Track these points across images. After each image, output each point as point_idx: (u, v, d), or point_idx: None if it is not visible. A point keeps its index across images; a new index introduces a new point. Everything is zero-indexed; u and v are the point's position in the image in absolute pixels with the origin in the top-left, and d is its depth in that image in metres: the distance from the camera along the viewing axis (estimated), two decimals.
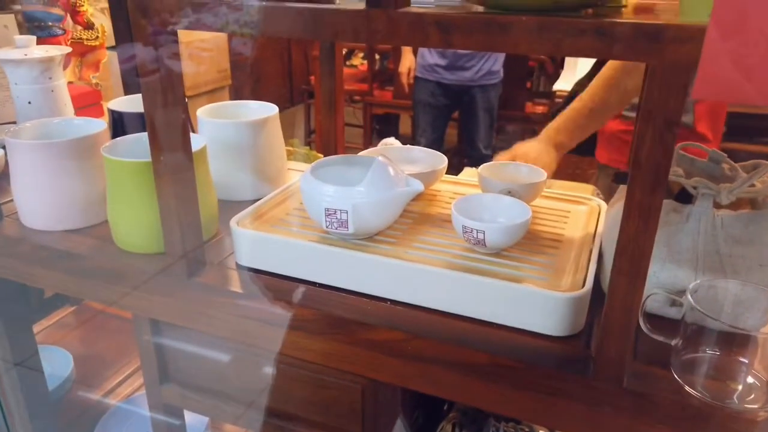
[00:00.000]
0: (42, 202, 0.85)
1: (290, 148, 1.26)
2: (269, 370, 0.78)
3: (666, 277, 0.63)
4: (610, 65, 1.16)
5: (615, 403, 0.57)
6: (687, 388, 0.57)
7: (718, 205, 0.63)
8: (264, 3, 0.57)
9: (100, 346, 1.43)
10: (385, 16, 0.52)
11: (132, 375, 1.31)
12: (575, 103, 1.17)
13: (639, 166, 0.48)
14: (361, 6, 0.54)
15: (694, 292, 0.57)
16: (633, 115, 1.32)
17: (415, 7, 0.55)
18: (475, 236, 0.68)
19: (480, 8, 0.55)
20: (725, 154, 0.70)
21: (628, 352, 0.56)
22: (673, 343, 0.60)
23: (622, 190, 0.74)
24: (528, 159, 1.10)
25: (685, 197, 0.66)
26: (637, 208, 0.50)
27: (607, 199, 0.84)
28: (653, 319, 0.65)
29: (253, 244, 0.75)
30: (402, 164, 0.83)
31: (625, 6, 0.61)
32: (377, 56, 3.72)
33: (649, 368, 0.60)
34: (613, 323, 0.55)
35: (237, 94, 3.42)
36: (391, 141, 1.38)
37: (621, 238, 0.52)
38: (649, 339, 0.62)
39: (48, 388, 1.09)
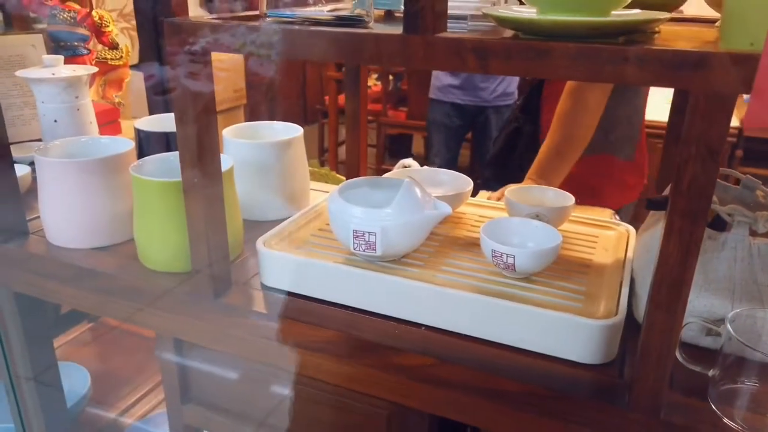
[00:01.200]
0: (68, 220, 0.86)
1: (310, 169, 1.26)
2: (293, 392, 0.77)
3: (701, 306, 0.62)
4: (563, 101, 1.17)
5: None
6: (725, 420, 0.56)
7: (754, 233, 0.62)
8: (301, 27, 0.58)
9: (117, 364, 1.43)
10: (423, 42, 0.52)
11: (149, 393, 1.30)
12: (543, 146, 1.18)
13: (681, 194, 0.48)
14: (398, 31, 0.54)
15: (733, 322, 0.56)
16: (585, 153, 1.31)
17: (451, 33, 0.55)
18: (504, 261, 0.67)
19: (512, 33, 0.55)
20: (759, 181, 0.70)
21: (664, 383, 0.55)
22: (711, 373, 0.58)
23: (653, 215, 0.73)
24: None
25: (719, 225, 0.65)
26: (677, 237, 0.49)
27: None
28: (688, 348, 0.64)
29: (279, 265, 0.75)
30: (427, 186, 0.82)
31: (658, 32, 0.61)
32: (391, 77, 3.75)
33: (686, 399, 0.58)
34: (651, 353, 0.54)
35: (252, 113, 3.45)
36: (409, 162, 1.38)
37: (660, 267, 0.51)
38: (684, 369, 0.60)
39: (66, 404, 1.09)
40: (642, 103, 1.29)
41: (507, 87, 2.72)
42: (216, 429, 0.86)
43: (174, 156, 0.84)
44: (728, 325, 0.55)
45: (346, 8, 0.69)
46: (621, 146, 1.28)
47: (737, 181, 0.74)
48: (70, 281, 0.85)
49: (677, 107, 0.85)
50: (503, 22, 0.55)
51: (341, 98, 3.57)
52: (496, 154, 1.48)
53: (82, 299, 0.85)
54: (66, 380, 1.20)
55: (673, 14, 0.68)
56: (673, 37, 0.58)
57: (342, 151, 3.46)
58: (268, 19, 0.65)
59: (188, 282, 0.77)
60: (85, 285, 0.84)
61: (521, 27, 0.54)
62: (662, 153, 0.89)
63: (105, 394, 1.31)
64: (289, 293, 0.74)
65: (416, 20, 0.52)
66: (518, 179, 1.18)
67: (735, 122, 2.51)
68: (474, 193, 1.08)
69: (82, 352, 1.43)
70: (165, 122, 1.02)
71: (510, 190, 0.84)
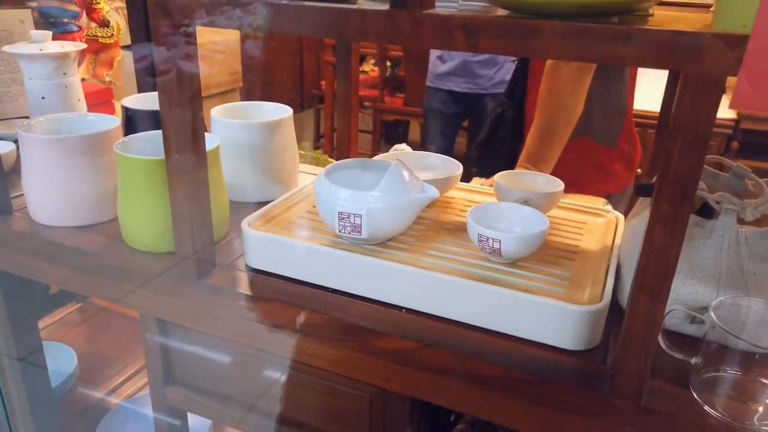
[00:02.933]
0: (52, 198, 0.85)
1: (301, 152, 1.25)
2: (276, 375, 0.77)
3: (686, 293, 0.62)
4: (542, 84, 1.16)
5: (633, 421, 0.56)
6: (707, 407, 0.55)
7: (741, 221, 0.62)
8: (287, 2, 0.57)
9: (105, 344, 1.42)
10: (410, 18, 0.51)
11: (135, 374, 1.30)
12: (530, 132, 1.18)
13: (667, 177, 0.47)
14: (385, 7, 0.53)
15: (716, 309, 0.56)
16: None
17: (440, 10, 0.54)
18: (490, 245, 0.67)
19: (504, 12, 0.54)
20: (749, 170, 0.69)
21: (647, 369, 0.54)
22: (693, 361, 0.58)
23: (642, 202, 0.73)
24: None
25: (707, 212, 0.64)
26: (663, 222, 0.49)
27: None
28: (671, 335, 0.63)
29: (263, 247, 0.74)
30: (417, 170, 0.82)
31: (651, 15, 0.60)
32: (388, 63, 3.72)
33: (668, 386, 0.58)
34: (633, 339, 0.54)
35: (248, 96, 3.42)
36: (402, 147, 1.37)
37: (644, 252, 0.51)
38: (667, 356, 0.60)
39: (51, 384, 1.09)
40: (624, 89, 1.27)
41: (505, 74, 2.70)
42: (199, 411, 0.86)
43: (160, 134, 0.83)
44: (712, 313, 0.55)
45: None
46: (600, 130, 1.26)
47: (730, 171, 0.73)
48: (53, 260, 0.84)
49: (670, 95, 0.84)
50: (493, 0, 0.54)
51: None
52: (481, 141, 1.47)
53: (65, 278, 0.84)
54: (52, 360, 1.20)
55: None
56: (666, 20, 0.57)
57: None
58: None
59: (172, 262, 0.76)
60: (68, 264, 0.83)
61: (512, 5, 0.53)
62: (653, 141, 0.89)
63: (92, 374, 1.31)
64: (274, 275, 0.74)
65: None
66: (503, 165, 1.16)
67: (731, 114, 2.50)
68: (468, 180, 1.07)
69: (69, 333, 1.43)
70: (153, 100, 1.00)
71: (500, 175, 0.83)
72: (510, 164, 1.20)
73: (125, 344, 1.40)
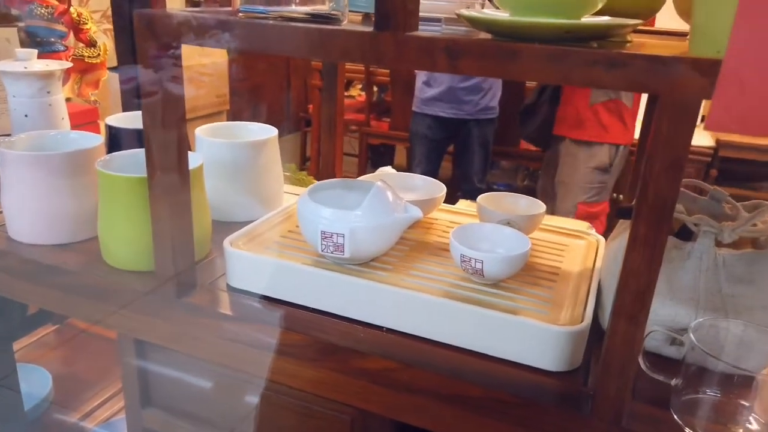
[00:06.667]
0: (31, 215, 0.84)
1: (286, 173, 1.25)
2: (256, 396, 0.76)
3: (666, 315, 0.62)
4: None
5: None
6: (687, 430, 0.55)
7: (719, 244, 0.63)
8: (272, 21, 0.57)
9: (81, 367, 1.39)
10: (394, 39, 0.52)
11: (112, 398, 1.27)
12: None
13: (645, 200, 0.48)
14: (370, 28, 0.54)
15: (696, 331, 0.56)
16: (602, 99, 1.97)
17: (423, 32, 0.55)
18: (473, 266, 0.67)
19: (487, 36, 0.55)
20: (726, 193, 0.70)
21: (627, 391, 0.54)
22: (673, 383, 0.58)
23: (622, 224, 0.73)
24: None
25: (685, 235, 0.65)
26: (641, 243, 0.49)
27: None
28: (652, 357, 0.64)
29: (245, 266, 0.74)
30: (400, 191, 0.82)
31: (629, 42, 0.61)
32: (375, 88, 3.76)
33: (648, 408, 0.58)
34: (613, 361, 0.54)
35: (235, 119, 3.42)
36: (387, 170, 1.38)
37: (623, 273, 0.51)
38: (647, 378, 0.60)
39: (24, 407, 1.06)
40: None
41: (490, 101, 2.74)
42: None
43: (142, 153, 0.82)
44: (691, 335, 0.55)
45: (322, 9, 0.69)
46: (626, 93, 1.76)
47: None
48: (30, 278, 0.82)
49: (648, 121, 0.86)
50: (476, 23, 0.55)
51: None
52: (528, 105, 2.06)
53: (43, 296, 0.83)
54: (27, 383, 1.17)
55: (647, 27, 0.69)
56: (643, 47, 0.59)
57: None
58: (240, 14, 0.65)
59: (152, 281, 0.75)
60: (45, 282, 0.81)
61: (494, 29, 0.54)
62: (633, 166, 0.90)
63: (68, 398, 1.28)
64: (255, 295, 0.73)
65: (387, 18, 0.52)
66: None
67: (710, 142, 2.55)
68: (452, 203, 1.07)
69: (45, 355, 1.40)
70: (137, 119, 1.00)
71: (482, 196, 0.84)
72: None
73: (102, 367, 1.37)
